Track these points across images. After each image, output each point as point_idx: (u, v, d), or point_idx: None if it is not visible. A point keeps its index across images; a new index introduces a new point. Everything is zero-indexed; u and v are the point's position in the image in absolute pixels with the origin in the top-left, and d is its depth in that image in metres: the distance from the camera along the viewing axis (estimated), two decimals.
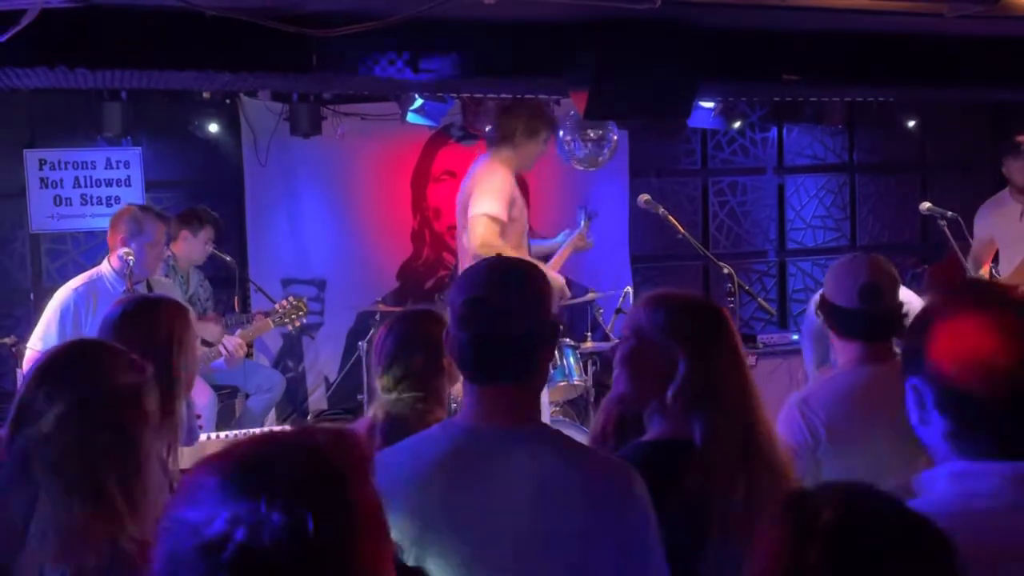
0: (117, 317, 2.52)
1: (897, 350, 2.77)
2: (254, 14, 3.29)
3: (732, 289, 5.13)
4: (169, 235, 5.37)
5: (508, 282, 1.92)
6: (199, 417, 3.11)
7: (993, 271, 5.92)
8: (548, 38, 4.04)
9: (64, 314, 4.40)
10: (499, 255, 2.28)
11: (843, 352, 2.81)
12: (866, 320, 2.71)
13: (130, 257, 4.51)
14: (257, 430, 4.40)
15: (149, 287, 4.59)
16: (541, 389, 1.98)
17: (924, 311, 1.66)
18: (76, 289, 4.48)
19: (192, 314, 2.75)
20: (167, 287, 4.87)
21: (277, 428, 1.66)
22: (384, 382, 2.77)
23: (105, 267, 4.59)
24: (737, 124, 7.47)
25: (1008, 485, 1.47)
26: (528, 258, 4.57)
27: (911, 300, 4.89)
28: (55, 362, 1.88)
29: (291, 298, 5.63)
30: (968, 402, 1.50)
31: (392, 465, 1.84)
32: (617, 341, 2.33)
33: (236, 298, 6.05)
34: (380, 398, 2.79)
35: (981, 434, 1.50)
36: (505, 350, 1.87)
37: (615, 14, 3.83)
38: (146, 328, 2.49)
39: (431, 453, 1.88)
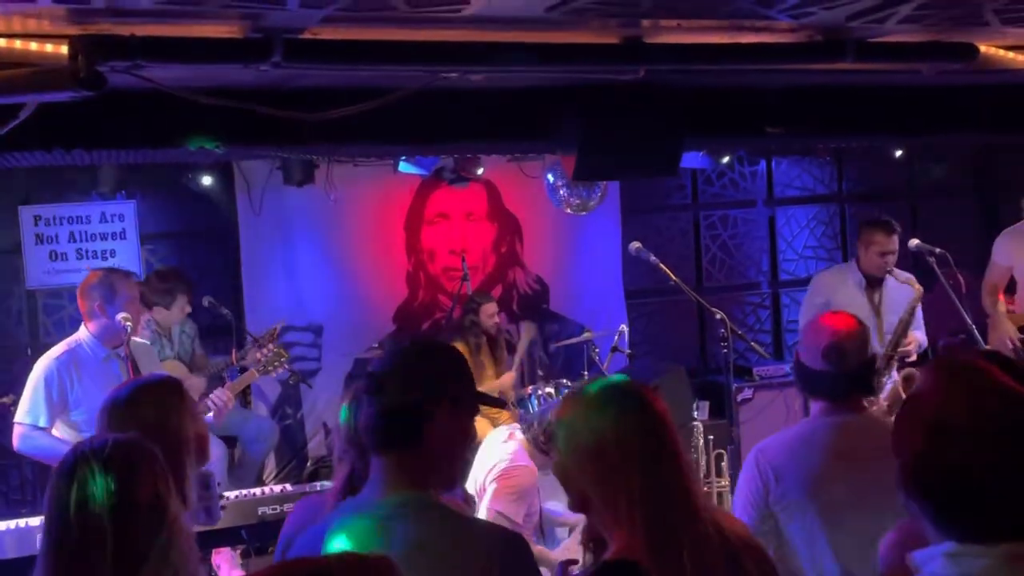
0: (110, 421, 2.53)
1: (867, 404, 2.87)
2: (247, 98, 3.36)
3: (725, 334, 5.22)
4: (144, 302, 5.43)
5: (399, 359, 2.14)
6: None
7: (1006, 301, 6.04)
8: (535, 104, 4.11)
9: (49, 384, 4.35)
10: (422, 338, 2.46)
11: (813, 406, 2.94)
12: (829, 380, 2.82)
13: (128, 323, 4.50)
14: (266, 492, 4.43)
15: (130, 351, 4.52)
16: (439, 459, 2.08)
17: (909, 396, 1.71)
18: (58, 358, 4.41)
19: (180, 381, 2.74)
20: (146, 350, 4.81)
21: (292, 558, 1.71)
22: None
23: (83, 333, 4.51)
24: (725, 160, 7.56)
25: (1002, 564, 1.52)
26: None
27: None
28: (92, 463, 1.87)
29: (271, 345, 5.70)
30: (944, 478, 1.54)
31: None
32: None
33: (233, 350, 6.09)
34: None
35: (968, 513, 1.55)
36: (385, 422, 2.05)
37: (601, 80, 3.92)
38: (141, 422, 2.51)
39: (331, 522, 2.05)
